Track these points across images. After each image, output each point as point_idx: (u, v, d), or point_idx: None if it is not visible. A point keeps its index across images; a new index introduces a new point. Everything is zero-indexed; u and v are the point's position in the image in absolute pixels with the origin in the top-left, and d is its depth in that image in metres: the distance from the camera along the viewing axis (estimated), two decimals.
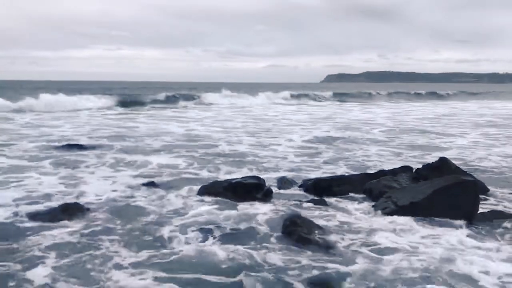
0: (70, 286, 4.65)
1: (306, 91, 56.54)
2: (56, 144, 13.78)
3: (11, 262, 5.17)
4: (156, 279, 4.81)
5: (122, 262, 5.23)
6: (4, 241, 5.76)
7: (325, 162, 11.52)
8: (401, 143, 15.24)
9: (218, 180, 8.71)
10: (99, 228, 6.32)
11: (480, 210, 6.87)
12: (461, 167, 9.34)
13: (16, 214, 6.80)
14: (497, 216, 6.67)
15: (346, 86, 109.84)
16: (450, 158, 9.72)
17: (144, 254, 5.44)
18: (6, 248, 5.56)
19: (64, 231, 6.13)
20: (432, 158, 11.32)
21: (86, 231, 6.17)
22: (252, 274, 4.92)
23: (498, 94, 70.44)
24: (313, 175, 9.66)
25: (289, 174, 9.74)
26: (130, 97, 40.86)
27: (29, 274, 4.88)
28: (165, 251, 5.57)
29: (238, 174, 9.70)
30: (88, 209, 7.00)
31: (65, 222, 6.46)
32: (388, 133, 18.16)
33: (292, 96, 49.51)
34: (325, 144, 14.63)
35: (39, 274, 4.89)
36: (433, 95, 63.77)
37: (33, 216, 6.63)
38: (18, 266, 5.07)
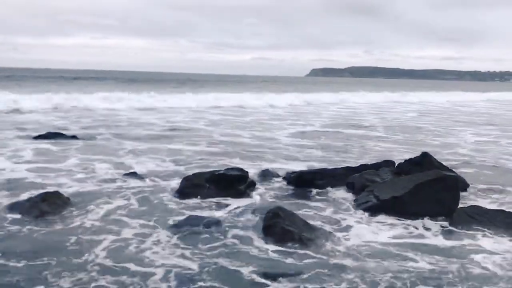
0: None
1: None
2: (37, 133, 13.53)
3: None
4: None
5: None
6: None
7: (344, 156, 11.51)
8: (406, 139, 15.23)
9: (201, 171, 8.64)
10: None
11: (461, 205, 6.95)
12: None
13: None
14: (476, 212, 6.75)
15: (331, 81, 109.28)
16: (459, 154, 9.76)
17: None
18: None
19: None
20: (447, 155, 11.60)
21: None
22: (225, 265, 4.93)
23: None
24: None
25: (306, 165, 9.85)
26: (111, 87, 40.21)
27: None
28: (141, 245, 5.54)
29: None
30: (68, 198, 6.91)
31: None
32: (387, 130, 18.06)
33: None
34: (332, 140, 14.60)
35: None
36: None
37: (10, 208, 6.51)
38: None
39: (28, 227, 5.86)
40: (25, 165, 9.34)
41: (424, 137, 15.90)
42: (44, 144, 11.73)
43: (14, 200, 6.84)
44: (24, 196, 7.03)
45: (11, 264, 4.78)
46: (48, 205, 6.50)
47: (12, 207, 6.51)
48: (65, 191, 7.35)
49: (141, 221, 6.22)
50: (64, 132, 13.81)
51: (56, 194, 6.88)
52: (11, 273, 4.58)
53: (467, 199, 7.71)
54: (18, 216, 6.22)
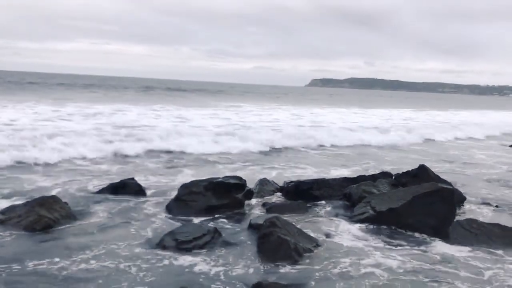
0: None
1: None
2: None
3: None
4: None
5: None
6: None
7: None
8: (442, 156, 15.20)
9: (200, 179, 8.62)
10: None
11: (457, 218, 6.95)
12: None
13: None
14: (472, 225, 6.76)
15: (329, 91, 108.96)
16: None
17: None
18: None
19: None
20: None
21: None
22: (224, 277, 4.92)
23: None
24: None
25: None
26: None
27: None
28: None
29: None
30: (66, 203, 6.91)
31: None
32: (419, 145, 17.95)
33: None
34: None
35: None
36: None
37: None
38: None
39: (25, 231, 5.88)
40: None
41: None
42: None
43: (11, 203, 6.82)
44: None
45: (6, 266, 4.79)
46: (46, 209, 6.47)
47: (9, 210, 6.48)
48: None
49: (131, 230, 6.25)
50: None
51: (54, 198, 6.86)
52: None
53: (464, 212, 7.72)
54: (15, 220, 6.20)
